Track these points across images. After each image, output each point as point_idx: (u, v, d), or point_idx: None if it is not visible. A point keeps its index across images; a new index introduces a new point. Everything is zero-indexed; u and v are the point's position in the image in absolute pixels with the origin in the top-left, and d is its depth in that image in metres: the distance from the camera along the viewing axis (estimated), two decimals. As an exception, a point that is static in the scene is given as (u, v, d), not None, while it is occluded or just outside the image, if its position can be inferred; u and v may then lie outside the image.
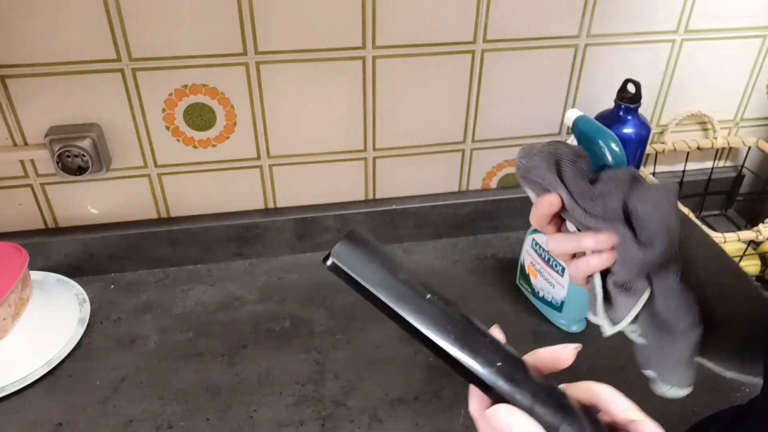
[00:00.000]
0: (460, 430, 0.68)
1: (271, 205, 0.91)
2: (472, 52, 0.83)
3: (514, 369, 0.34)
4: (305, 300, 0.85)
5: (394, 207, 0.93)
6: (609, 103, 0.86)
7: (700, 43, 0.89)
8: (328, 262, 0.33)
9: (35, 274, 0.82)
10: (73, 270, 0.87)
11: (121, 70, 0.75)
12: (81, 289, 0.84)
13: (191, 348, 0.77)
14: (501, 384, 0.33)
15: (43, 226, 0.86)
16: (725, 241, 0.77)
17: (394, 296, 0.34)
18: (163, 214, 0.89)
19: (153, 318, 0.82)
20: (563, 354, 0.37)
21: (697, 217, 0.83)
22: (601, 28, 0.85)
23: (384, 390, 0.72)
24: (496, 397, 0.34)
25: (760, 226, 0.78)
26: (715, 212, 1.06)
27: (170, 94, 0.79)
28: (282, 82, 0.80)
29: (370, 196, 0.94)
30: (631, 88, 0.83)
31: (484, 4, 0.79)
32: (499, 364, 0.34)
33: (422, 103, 0.86)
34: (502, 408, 0.33)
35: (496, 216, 0.97)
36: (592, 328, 0.78)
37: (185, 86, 0.78)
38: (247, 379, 0.73)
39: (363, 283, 0.33)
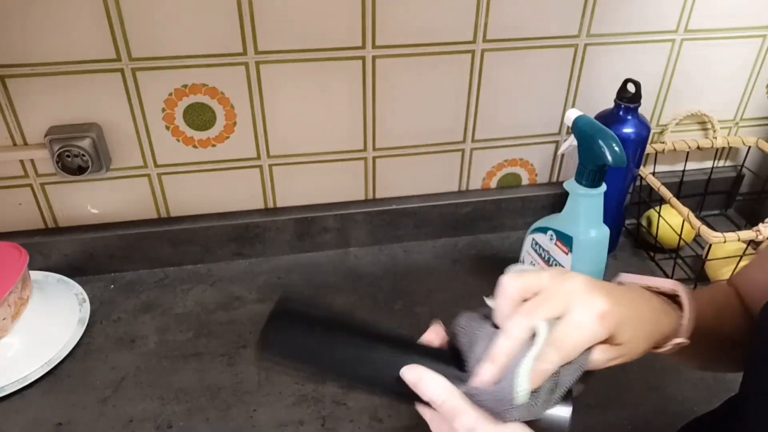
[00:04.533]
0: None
1: (271, 204, 0.91)
2: (472, 52, 0.83)
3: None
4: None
5: (394, 207, 0.93)
6: (609, 103, 0.86)
7: (700, 43, 0.89)
8: (257, 352, 0.37)
9: (35, 274, 0.82)
10: (73, 270, 0.87)
11: (121, 70, 0.75)
12: (81, 289, 0.84)
13: (191, 348, 0.77)
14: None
15: (43, 226, 0.86)
16: (725, 241, 0.78)
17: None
18: (163, 214, 0.89)
19: (153, 318, 0.82)
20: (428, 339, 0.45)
21: (697, 217, 0.83)
22: (601, 28, 0.85)
23: (384, 390, 0.72)
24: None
25: (760, 225, 0.78)
26: (715, 212, 1.06)
27: (170, 94, 0.78)
28: (282, 81, 0.80)
29: (370, 196, 0.94)
30: (631, 87, 0.83)
31: (484, 4, 0.79)
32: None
33: (422, 103, 0.86)
34: (411, 367, 0.40)
35: (496, 216, 0.97)
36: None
37: (185, 86, 0.78)
38: (247, 379, 0.73)
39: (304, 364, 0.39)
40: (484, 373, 0.39)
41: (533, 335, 0.39)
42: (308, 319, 0.40)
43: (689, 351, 0.48)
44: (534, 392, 0.38)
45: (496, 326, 0.42)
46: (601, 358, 0.41)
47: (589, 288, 0.41)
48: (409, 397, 0.40)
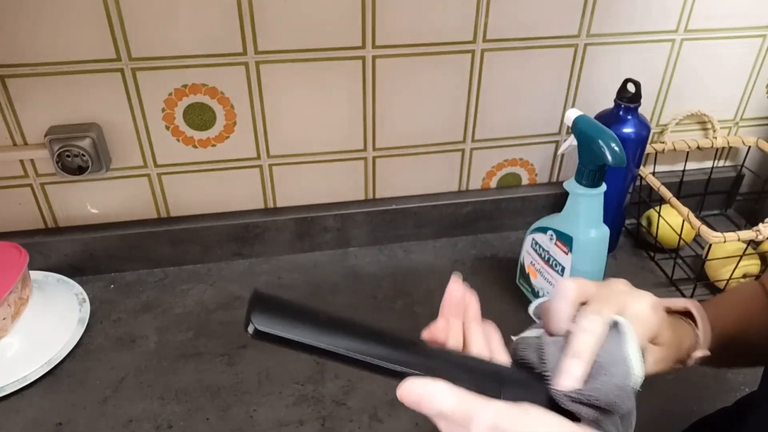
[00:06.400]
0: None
1: (271, 204, 0.91)
2: (472, 52, 0.83)
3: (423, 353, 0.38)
4: (305, 300, 0.85)
5: (394, 207, 0.93)
6: (609, 103, 0.86)
7: (700, 43, 0.89)
8: (250, 330, 0.34)
9: (35, 274, 0.82)
10: (73, 270, 0.87)
11: (121, 70, 0.75)
12: (81, 289, 0.84)
13: (191, 348, 0.77)
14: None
15: (43, 226, 0.86)
16: (725, 241, 0.78)
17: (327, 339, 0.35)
18: (163, 214, 0.89)
19: (153, 318, 0.82)
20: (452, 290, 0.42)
21: (697, 217, 0.83)
22: (601, 28, 0.85)
23: (384, 390, 0.72)
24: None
25: (760, 225, 0.78)
26: (715, 212, 1.06)
27: (170, 94, 0.79)
28: (282, 81, 0.80)
29: (370, 196, 0.94)
30: (631, 87, 0.83)
31: (484, 4, 0.79)
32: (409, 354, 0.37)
33: (422, 103, 0.86)
34: (404, 385, 0.35)
35: (496, 216, 0.97)
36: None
37: (185, 86, 0.78)
38: (247, 379, 0.73)
39: (294, 338, 0.35)
40: (573, 370, 0.37)
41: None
42: (296, 304, 0.37)
43: (713, 358, 0.50)
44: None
45: (550, 335, 0.41)
46: (649, 358, 0.43)
47: (633, 288, 0.44)
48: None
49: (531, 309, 0.48)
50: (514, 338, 0.43)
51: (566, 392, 0.37)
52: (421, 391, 0.34)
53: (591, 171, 0.71)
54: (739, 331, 0.52)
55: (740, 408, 0.54)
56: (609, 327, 0.39)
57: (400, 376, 0.36)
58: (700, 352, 0.48)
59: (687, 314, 0.51)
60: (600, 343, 0.38)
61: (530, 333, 0.43)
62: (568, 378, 0.37)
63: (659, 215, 0.92)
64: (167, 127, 0.81)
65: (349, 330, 0.36)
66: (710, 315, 0.50)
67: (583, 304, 0.41)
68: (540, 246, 0.80)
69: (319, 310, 0.36)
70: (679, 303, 0.51)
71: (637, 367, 0.38)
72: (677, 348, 0.47)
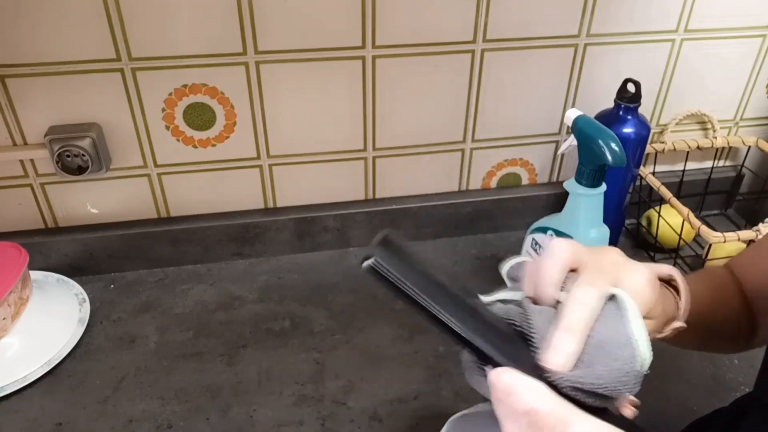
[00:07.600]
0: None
1: (270, 204, 0.91)
2: (472, 51, 0.83)
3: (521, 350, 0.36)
4: (305, 300, 0.85)
5: (394, 207, 0.93)
6: (609, 103, 0.86)
7: (700, 43, 0.89)
8: (365, 264, 0.33)
9: (35, 274, 0.82)
10: (73, 270, 0.87)
11: (121, 70, 0.75)
12: (81, 289, 0.84)
13: (191, 348, 0.77)
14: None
15: (43, 226, 0.86)
16: (725, 241, 0.78)
17: (432, 299, 0.34)
18: (163, 214, 0.89)
19: (153, 318, 0.82)
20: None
21: (697, 216, 0.83)
22: (601, 28, 0.85)
23: (384, 390, 0.72)
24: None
25: (760, 225, 0.78)
26: (715, 212, 1.06)
27: (170, 94, 0.79)
28: (282, 81, 0.80)
29: (370, 196, 0.94)
30: (630, 87, 0.83)
31: (484, 4, 0.79)
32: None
33: (422, 103, 0.86)
34: (504, 371, 0.33)
35: (496, 216, 0.97)
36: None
37: (185, 86, 0.78)
38: (247, 379, 0.73)
39: (403, 287, 0.33)
40: (564, 346, 0.33)
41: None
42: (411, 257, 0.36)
43: (686, 334, 0.48)
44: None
45: (534, 303, 0.37)
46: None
47: (627, 259, 0.40)
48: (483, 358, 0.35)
49: (505, 269, 0.43)
50: (483, 298, 0.39)
51: (566, 377, 0.33)
52: (516, 384, 0.33)
53: (591, 171, 0.71)
54: (709, 311, 0.50)
55: (737, 408, 0.53)
56: (605, 301, 0.35)
57: (476, 351, 0.35)
58: (678, 324, 0.46)
59: (668, 282, 0.48)
60: (594, 318, 0.34)
61: (505, 295, 0.39)
62: (559, 355, 0.34)
63: (659, 215, 0.92)
64: (167, 127, 0.81)
65: (453, 299, 0.35)
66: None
67: (573, 271, 0.37)
68: (540, 246, 0.80)
69: (432, 271, 0.36)
70: (663, 270, 0.48)
71: (643, 348, 0.33)
72: (664, 320, 0.44)
